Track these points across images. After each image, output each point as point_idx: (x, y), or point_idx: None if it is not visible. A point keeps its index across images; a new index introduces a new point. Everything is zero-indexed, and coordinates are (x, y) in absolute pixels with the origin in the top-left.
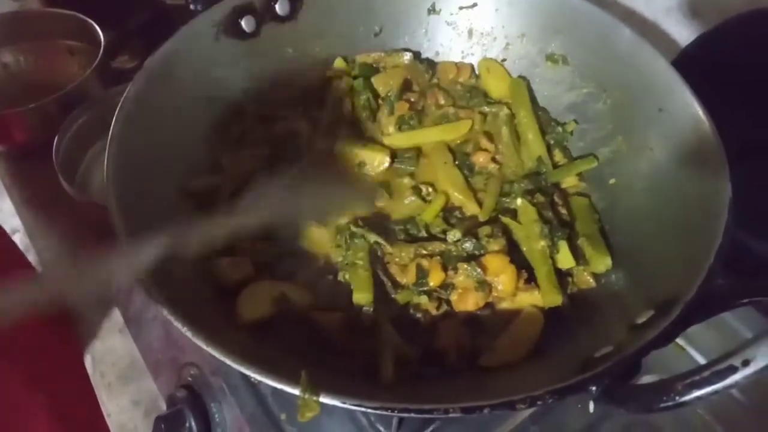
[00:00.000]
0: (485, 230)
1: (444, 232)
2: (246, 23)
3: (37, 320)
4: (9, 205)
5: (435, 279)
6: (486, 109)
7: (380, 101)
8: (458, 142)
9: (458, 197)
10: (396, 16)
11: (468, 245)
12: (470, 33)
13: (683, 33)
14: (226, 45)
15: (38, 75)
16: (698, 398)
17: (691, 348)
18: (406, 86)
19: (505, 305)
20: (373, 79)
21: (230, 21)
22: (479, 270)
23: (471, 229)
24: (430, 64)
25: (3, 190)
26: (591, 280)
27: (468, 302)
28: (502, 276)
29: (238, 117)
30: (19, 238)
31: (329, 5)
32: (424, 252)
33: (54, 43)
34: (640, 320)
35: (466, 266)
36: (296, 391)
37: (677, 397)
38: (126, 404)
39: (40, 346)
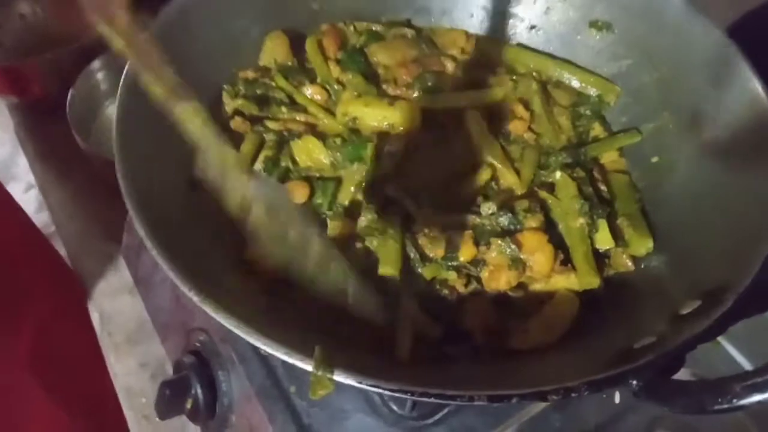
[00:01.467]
0: (522, 204)
1: (477, 204)
2: None
3: (46, 276)
4: (24, 160)
5: (466, 254)
6: (516, 78)
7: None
8: (491, 108)
9: (497, 166)
10: None
11: (503, 220)
12: None
13: (728, 12)
14: None
15: (55, 26)
16: (759, 402)
17: (727, 342)
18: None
19: (538, 286)
20: (375, 46)
21: None
22: (514, 246)
23: (507, 202)
24: (431, 44)
25: (18, 145)
26: (630, 264)
27: (500, 280)
28: (538, 255)
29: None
30: (35, 195)
31: None
32: (456, 224)
33: None
34: (685, 311)
35: (500, 242)
36: (309, 367)
37: (734, 400)
38: (133, 366)
39: (49, 312)
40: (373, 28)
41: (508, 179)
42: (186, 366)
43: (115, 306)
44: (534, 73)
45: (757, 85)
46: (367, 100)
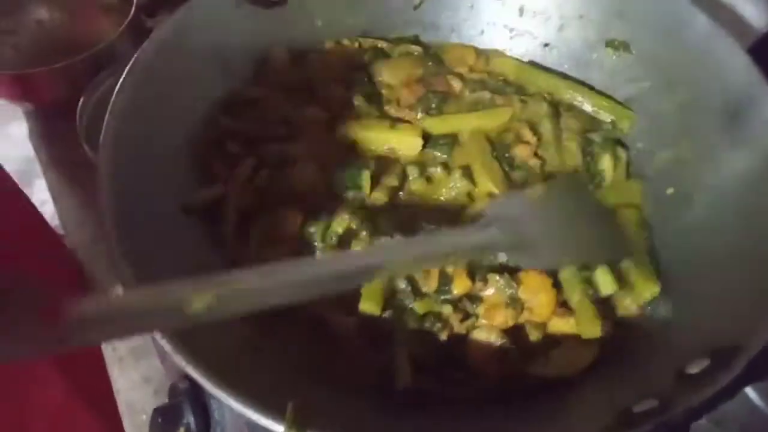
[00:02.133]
0: None
1: None
2: None
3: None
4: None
5: (460, 287)
6: (526, 98)
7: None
8: (496, 131)
9: (496, 192)
10: None
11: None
12: (521, 10)
13: (763, 17)
14: (247, 13)
15: (71, 32)
16: None
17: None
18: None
19: (535, 333)
20: (379, 64)
21: None
22: (514, 285)
23: None
24: (438, 61)
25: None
26: (634, 308)
27: (495, 319)
28: (539, 296)
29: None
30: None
31: None
32: None
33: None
34: (692, 370)
35: (497, 278)
36: (281, 429)
37: None
38: (136, 381)
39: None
40: (379, 45)
41: None
42: (180, 392)
43: None
44: (545, 94)
45: None
46: (366, 123)
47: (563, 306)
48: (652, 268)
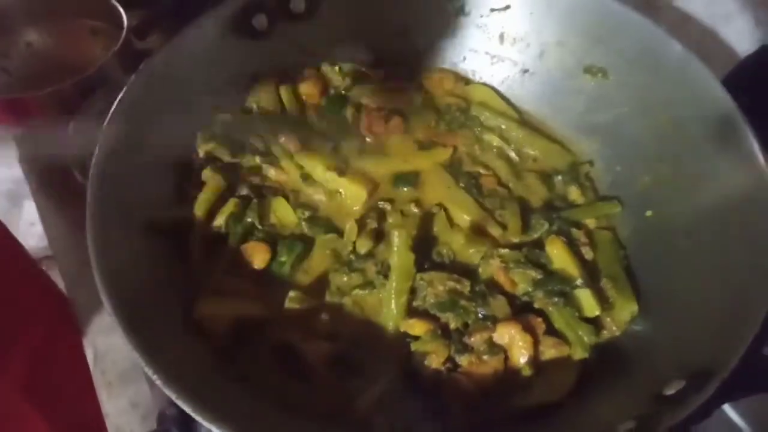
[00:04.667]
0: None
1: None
2: (257, 22)
3: (40, 313)
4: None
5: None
6: (477, 132)
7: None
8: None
9: (471, 221)
10: (422, 17)
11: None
12: (502, 37)
13: (743, 43)
14: (235, 43)
15: (62, 54)
16: None
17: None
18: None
19: (527, 369)
20: (357, 89)
21: (241, 19)
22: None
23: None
24: (418, 86)
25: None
26: (615, 328)
27: (485, 369)
28: (515, 345)
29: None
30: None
31: (350, 1)
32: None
33: (78, 22)
34: (669, 391)
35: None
36: None
37: None
38: (124, 406)
39: (44, 340)
40: (361, 69)
41: (492, 231)
42: (168, 419)
43: (109, 343)
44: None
45: (755, 149)
46: (319, 164)
47: (550, 333)
48: (630, 288)
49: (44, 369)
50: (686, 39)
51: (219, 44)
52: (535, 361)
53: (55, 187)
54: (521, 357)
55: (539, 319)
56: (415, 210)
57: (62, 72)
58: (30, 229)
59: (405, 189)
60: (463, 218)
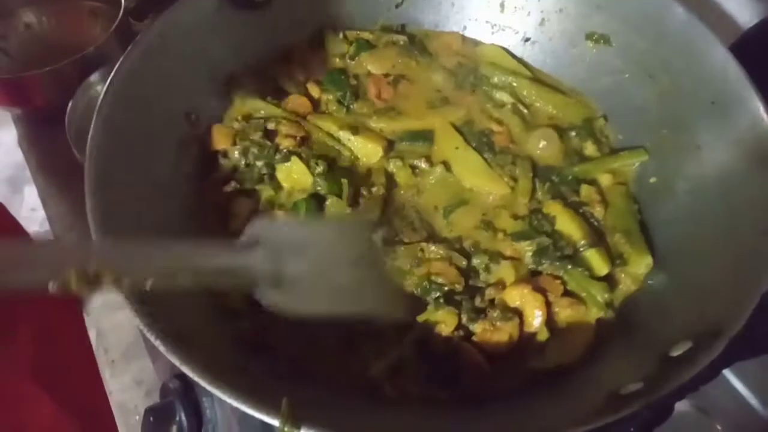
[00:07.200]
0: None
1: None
2: None
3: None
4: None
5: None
6: (488, 91)
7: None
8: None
9: (477, 183)
10: None
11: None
12: (503, 6)
13: (745, 15)
14: (231, 15)
15: (61, 36)
16: None
17: (730, 373)
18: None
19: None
20: (364, 55)
21: None
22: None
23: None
24: (424, 51)
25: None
26: (630, 283)
27: (501, 336)
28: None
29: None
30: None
31: None
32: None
33: (77, 3)
34: (675, 353)
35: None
36: (276, 422)
37: None
38: (128, 383)
39: (46, 320)
40: (364, 37)
41: (496, 190)
42: (171, 391)
43: (112, 322)
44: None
45: (758, 106)
46: (333, 125)
47: (567, 294)
48: (644, 241)
49: (49, 349)
50: None
51: (216, 16)
52: (550, 323)
53: (55, 168)
54: (536, 318)
55: (557, 282)
56: (424, 165)
57: (61, 54)
58: (31, 215)
59: (420, 144)
60: (473, 182)
